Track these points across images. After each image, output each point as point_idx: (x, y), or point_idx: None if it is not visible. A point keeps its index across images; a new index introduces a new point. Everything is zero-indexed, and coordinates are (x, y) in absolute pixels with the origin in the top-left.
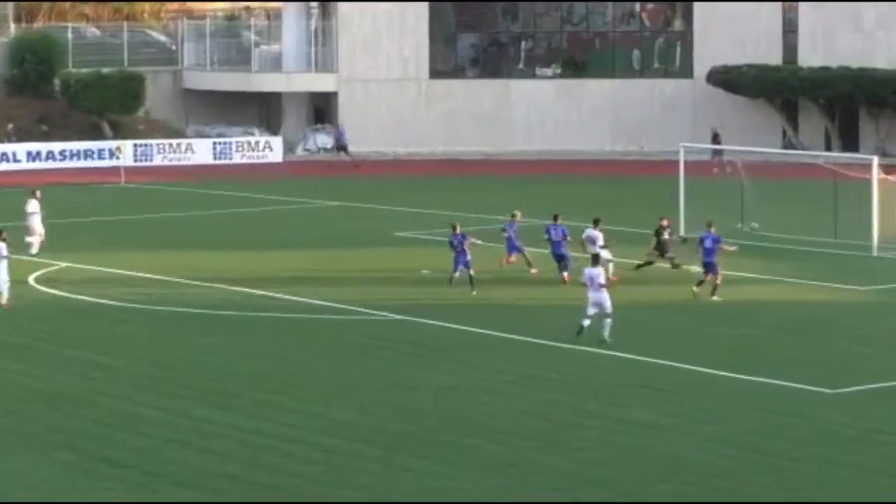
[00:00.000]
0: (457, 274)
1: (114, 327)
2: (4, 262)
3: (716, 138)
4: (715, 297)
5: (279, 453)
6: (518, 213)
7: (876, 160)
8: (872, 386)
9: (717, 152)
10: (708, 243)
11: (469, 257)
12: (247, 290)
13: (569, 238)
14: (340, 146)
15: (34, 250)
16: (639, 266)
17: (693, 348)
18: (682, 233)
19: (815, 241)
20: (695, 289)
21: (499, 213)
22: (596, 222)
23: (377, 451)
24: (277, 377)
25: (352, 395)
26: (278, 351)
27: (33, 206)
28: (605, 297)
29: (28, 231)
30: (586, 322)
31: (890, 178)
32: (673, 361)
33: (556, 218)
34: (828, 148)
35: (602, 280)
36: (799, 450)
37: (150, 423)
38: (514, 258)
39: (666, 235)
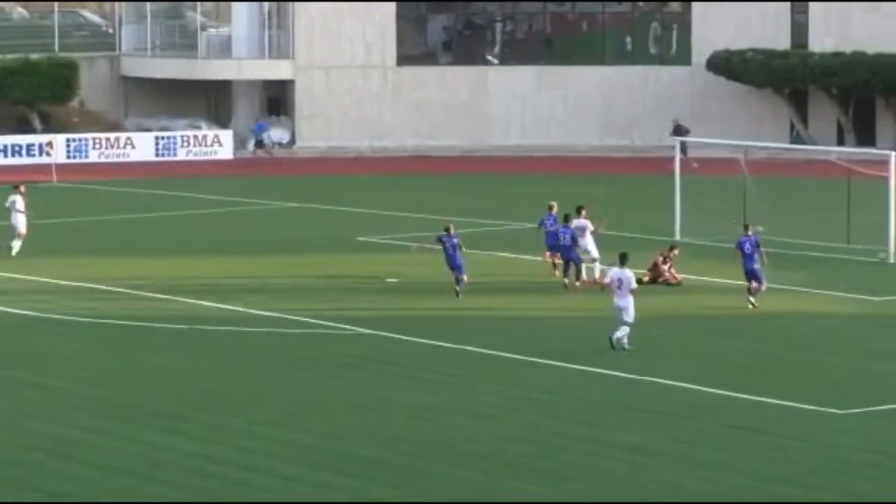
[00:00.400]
0: (465, 277)
1: (48, 343)
2: None
3: (678, 130)
4: (753, 302)
5: (231, 482)
6: (555, 205)
7: (894, 156)
8: (886, 407)
9: (683, 148)
10: (748, 248)
11: (461, 261)
12: (195, 301)
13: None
14: (257, 141)
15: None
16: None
17: (690, 366)
18: (676, 236)
19: (826, 247)
20: (752, 300)
21: (474, 215)
22: (579, 210)
23: (342, 480)
24: (230, 397)
25: (314, 418)
26: (230, 369)
27: (19, 202)
28: (630, 304)
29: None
30: (617, 334)
31: None
32: (668, 380)
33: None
34: (840, 142)
35: (634, 284)
36: (813, 477)
37: (89, 448)
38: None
39: (667, 267)
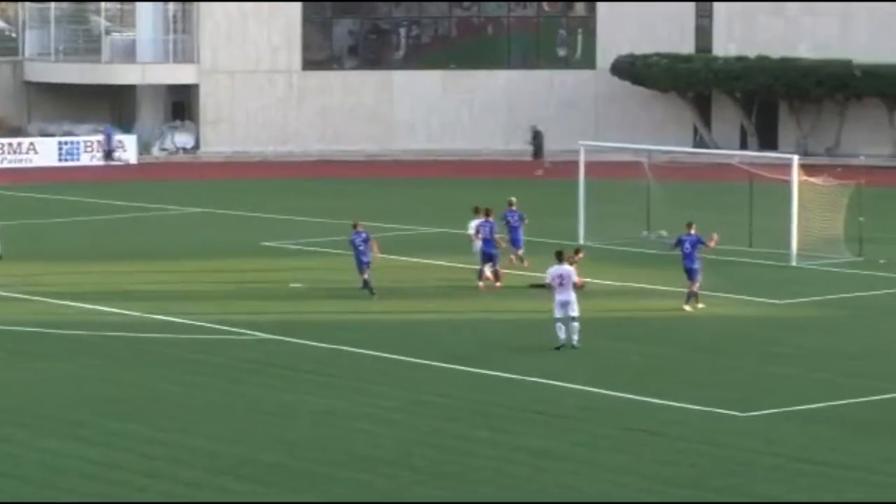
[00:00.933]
0: (366, 276)
1: None
2: None
3: (536, 137)
4: (688, 307)
5: (134, 488)
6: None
7: (796, 160)
8: (788, 409)
9: (538, 153)
10: (687, 247)
11: (370, 258)
12: (96, 306)
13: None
14: (108, 150)
15: None
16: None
17: (594, 369)
18: (580, 240)
19: (729, 250)
20: (690, 305)
21: (380, 219)
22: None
23: (244, 485)
24: (132, 404)
25: (216, 423)
26: (132, 375)
27: None
28: (574, 298)
29: None
30: (562, 334)
31: (812, 179)
32: (569, 383)
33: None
34: (743, 146)
35: (576, 278)
36: (715, 480)
37: None
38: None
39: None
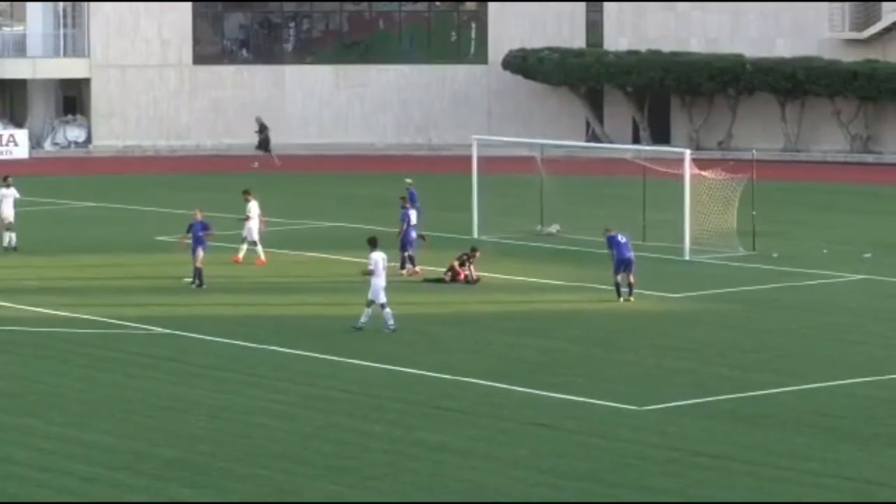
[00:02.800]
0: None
1: None
2: None
3: (262, 130)
4: (632, 299)
5: (31, 483)
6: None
7: (688, 154)
8: (684, 403)
9: (264, 145)
10: (622, 237)
11: (202, 250)
12: None
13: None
14: None
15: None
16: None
17: (490, 363)
18: (475, 234)
19: None
20: (628, 297)
21: (273, 214)
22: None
23: (141, 480)
24: (25, 398)
25: (112, 418)
26: (25, 370)
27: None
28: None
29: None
30: (365, 318)
31: (704, 173)
32: (465, 377)
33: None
34: (636, 141)
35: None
36: (611, 474)
37: None
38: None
39: (466, 267)
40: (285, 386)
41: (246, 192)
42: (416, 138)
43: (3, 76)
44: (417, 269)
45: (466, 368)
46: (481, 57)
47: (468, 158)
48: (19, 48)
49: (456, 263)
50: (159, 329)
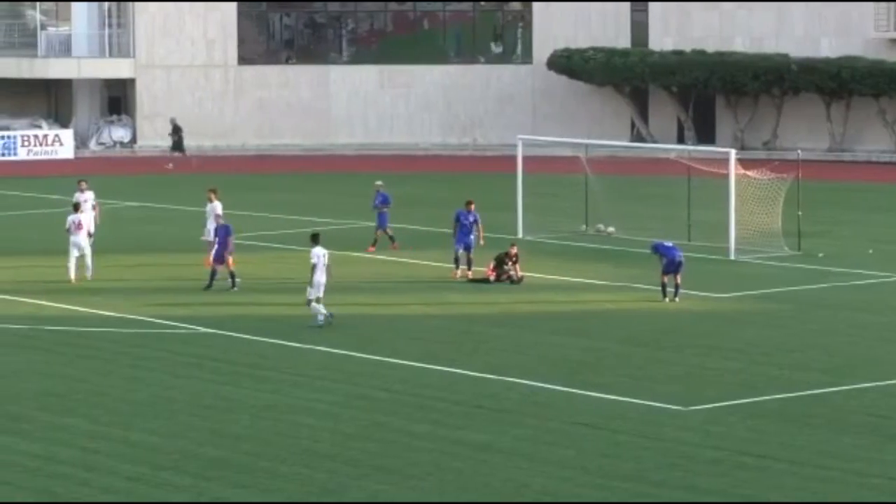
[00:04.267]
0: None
1: None
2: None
3: (176, 131)
4: (673, 299)
5: (75, 482)
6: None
7: (734, 154)
8: (729, 403)
9: (178, 146)
10: (668, 242)
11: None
12: (35, 300)
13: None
14: None
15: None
16: (471, 280)
17: (535, 364)
18: (519, 234)
19: None
20: (673, 298)
21: (317, 214)
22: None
23: (186, 479)
24: (71, 398)
25: (157, 418)
26: (71, 369)
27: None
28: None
29: None
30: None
31: (749, 173)
32: (510, 377)
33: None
34: (681, 141)
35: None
36: (656, 474)
37: None
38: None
39: (509, 266)
40: (329, 385)
41: (211, 191)
42: (461, 138)
43: (49, 76)
44: (469, 272)
45: (510, 368)
46: (526, 57)
47: (513, 158)
48: (64, 48)
49: (490, 267)
50: (203, 329)
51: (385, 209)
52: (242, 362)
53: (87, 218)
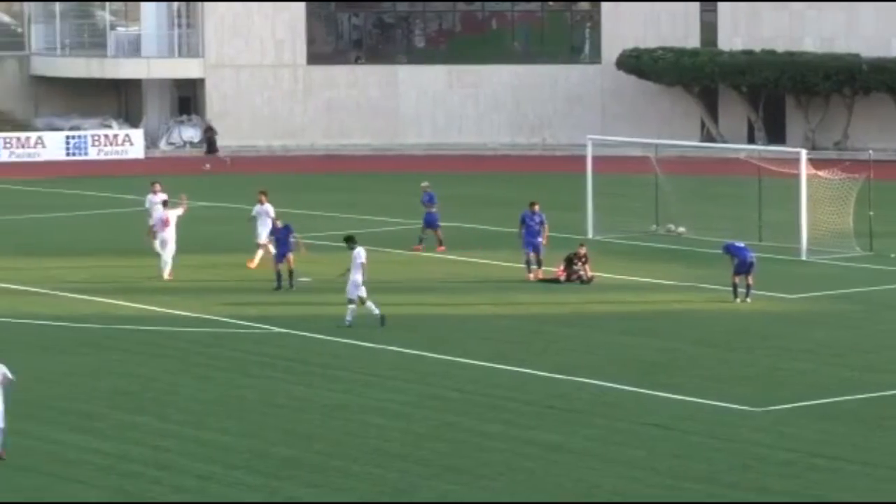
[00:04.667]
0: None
1: None
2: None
3: (208, 131)
4: (749, 300)
5: (147, 480)
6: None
7: (804, 154)
8: (801, 404)
9: (211, 148)
10: (740, 242)
11: (291, 250)
12: (107, 300)
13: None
14: None
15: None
16: (542, 280)
17: (606, 364)
18: (589, 234)
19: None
20: (746, 299)
21: (386, 214)
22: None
23: (258, 479)
24: (143, 397)
25: (229, 417)
26: (144, 368)
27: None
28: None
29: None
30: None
31: (820, 173)
32: (581, 377)
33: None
34: (751, 141)
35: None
36: (728, 475)
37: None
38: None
39: (579, 266)
40: (400, 385)
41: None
42: (530, 138)
43: (119, 76)
44: (540, 272)
45: (580, 368)
46: (594, 57)
47: (582, 158)
48: (134, 48)
49: (561, 268)
50: (276, 328)
51: (433, 209)
52: (315, 362)
53: (173, 215)
